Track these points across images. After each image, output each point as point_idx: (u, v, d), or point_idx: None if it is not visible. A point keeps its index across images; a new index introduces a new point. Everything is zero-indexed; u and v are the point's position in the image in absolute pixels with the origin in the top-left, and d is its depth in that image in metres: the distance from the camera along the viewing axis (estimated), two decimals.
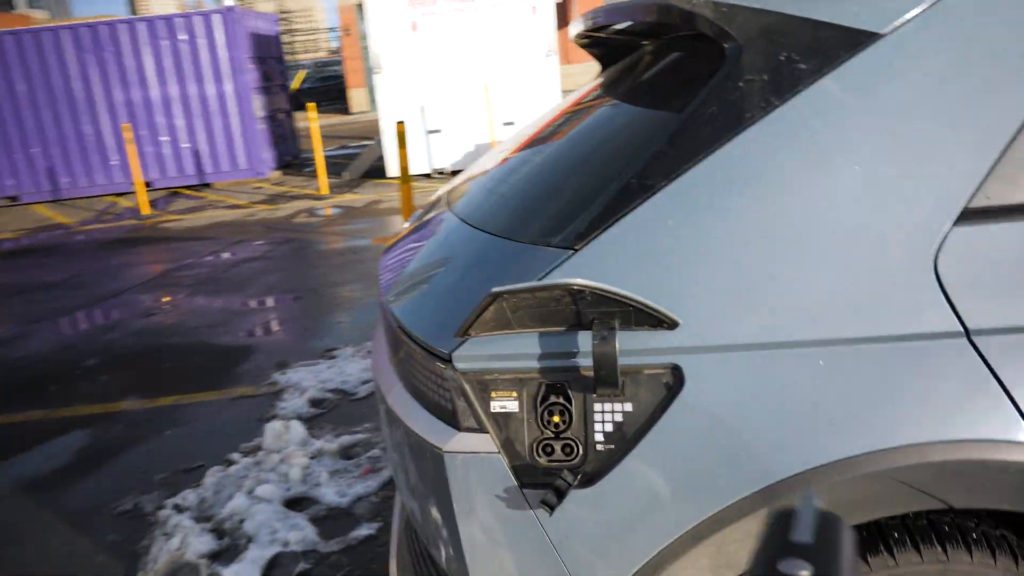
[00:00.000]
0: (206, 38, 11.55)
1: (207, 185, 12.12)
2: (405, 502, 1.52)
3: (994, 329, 1.03)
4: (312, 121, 10.26)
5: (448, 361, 1.18)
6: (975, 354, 1.04)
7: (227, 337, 4.97)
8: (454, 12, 10.06)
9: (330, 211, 9.14)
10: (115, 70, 11.50)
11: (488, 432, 1.17)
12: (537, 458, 1.15)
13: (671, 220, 1.10)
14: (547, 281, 1.07)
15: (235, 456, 3.28)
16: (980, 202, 1.05)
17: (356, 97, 25.66)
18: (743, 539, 1.15)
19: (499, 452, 1.17)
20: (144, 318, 5.57)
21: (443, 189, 1.94)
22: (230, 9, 11.60)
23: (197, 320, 5.38)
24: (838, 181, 1.07)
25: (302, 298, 5.69)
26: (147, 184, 11.52)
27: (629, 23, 1.61)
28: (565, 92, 9.90)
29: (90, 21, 11.63)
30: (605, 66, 2.16)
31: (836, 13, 1.13)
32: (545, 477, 1.15)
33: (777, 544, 0.47)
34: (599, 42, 2.04)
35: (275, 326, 5.17)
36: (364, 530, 2.69)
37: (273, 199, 10.45)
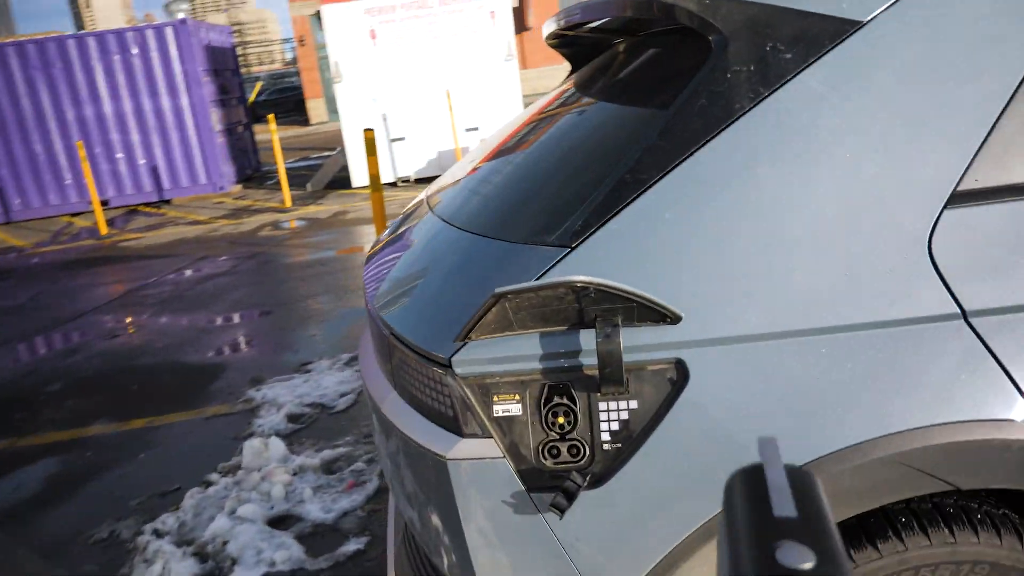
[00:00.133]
0: (159, 52, 11.30)
1: (166, 202, 11.86)
2: (403, 511, 1.49)
3: (990, 309, 1.05)
4: (273, 132, 10.12)
5: (447, 366, 1.16)
6: (973, 335, 1.05)
7: (197, 355, 4.86)
8: (412, 19, 10.01)
9: (295, 224, 9.01)
10: (65, 87, 11.19)
11: (492, 437, 1.15)
12: (543, 461, 1.13)
13: (668, 213, 1.09)
14: (550, 280, 1.06)
15: (214, 476, 3.19)
16: (969, 184, 1.06)
17: (315, 108, 25.39)
18: None
19: (504, 457, 1.15)
20: (108, 339, 5.42)
21: (424, 193, 1.91)
22: (183, 22, 11.39)
23: (164, 339, 5.25)
24: (831, 169, 1.07)
25: (272, 312, 5.59)
26: (104, 202, 11.24)
27: (605, 20, 1.60)
28: (525, 96, 9.91)
29: (37, 37, 11.31)
30: (576, 66, 2.16)
31: (818, 2, 1.14)
32: (552, 480, 1.14)
33: (763, 525, 0.39)
34: (570, 41, 2.04)
35: (246, 342, 5.07)
36: (352, 545, 2.64)
37: (236, 213, 10.27)
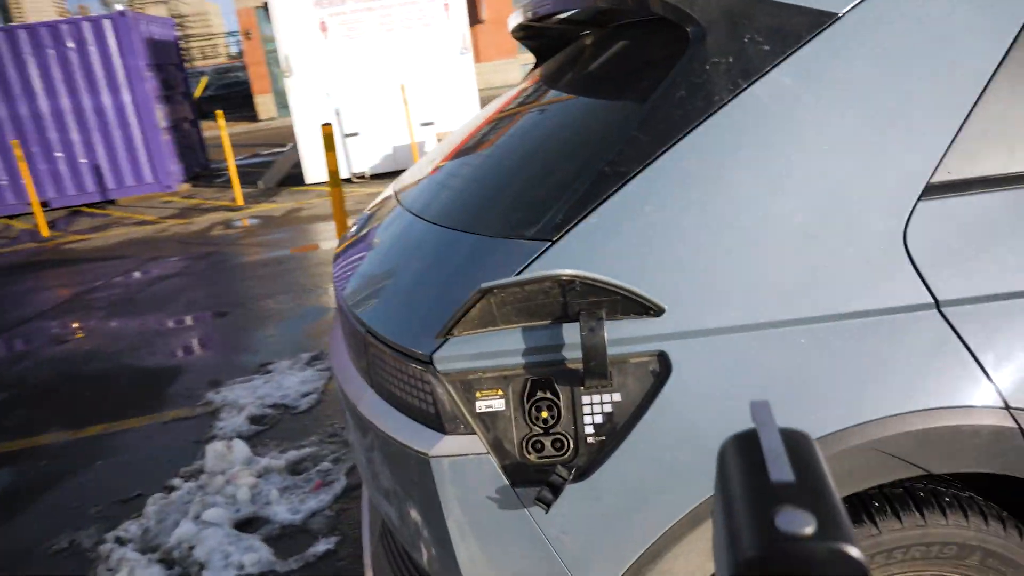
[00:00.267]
0: (97, 45, 10.88)
1: (111, 202, 11.48)
2: (381, 508, 1.47)
3: (961, 299, 1.08)
4: (222, 129, 9.88)
5: (428, 363, 1.15)
6: (945, 324, 1.08)
7: (151, 359, 4.72)
8: (363, 11, 9.86)
9: (248, 222, 8.82)
10: None
11: (475, 433, 1.15)
12: (527, 456, 1.13)
13: (648, 206, 1.10)
14: (536, 273, 1.05)
15: (176, 481, 3.11)
16: (942, 176, 1.09)
17: (263, 103, 24.87)
18: None
19: (488, 453, 1.14)
20: (57, 345, 5.23)
21: (392, 187, 1.89)
22: (122, 14, 10.98)
23: (116, 344, 5.10)
24: (809, 160, 1.09)
25: (228, 313, 5.47)
26: (44, 204, 10.79)
27: (575, 11, 1.60)
28: (480, 91, 9.84)
29: None
30: (541, 59, 2.16)
31: None
32: (537, 474, 1.14)
33: (759, 491, 0.37)
34: (536, 34, 2.03)
35: (202, 344, 4.95)
36: (322, 545, 2.60)
37: (185, 212, 10.00)
